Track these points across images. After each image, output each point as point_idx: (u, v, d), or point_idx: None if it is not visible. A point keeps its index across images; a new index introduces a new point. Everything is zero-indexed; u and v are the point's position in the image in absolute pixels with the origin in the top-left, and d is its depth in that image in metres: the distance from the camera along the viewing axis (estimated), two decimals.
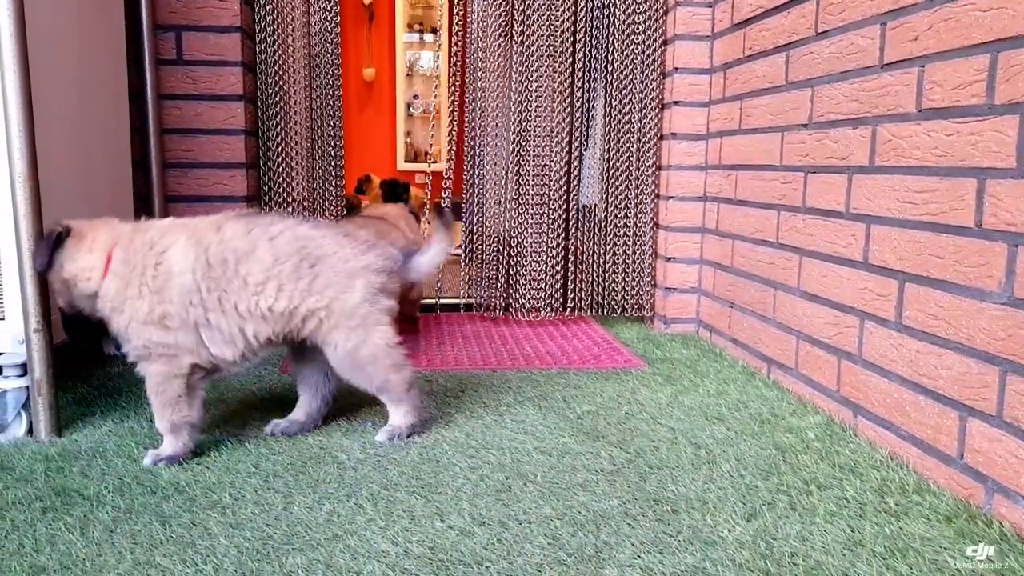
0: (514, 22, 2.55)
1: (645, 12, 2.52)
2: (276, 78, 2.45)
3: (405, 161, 8.23)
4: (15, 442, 1.52)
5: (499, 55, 2.58)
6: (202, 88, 2.31)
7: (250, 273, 1.46)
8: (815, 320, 1.80)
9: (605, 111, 2.61)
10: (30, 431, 1.56)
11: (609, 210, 2.63)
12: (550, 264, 2.66)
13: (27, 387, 1.55)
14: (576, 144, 2.64)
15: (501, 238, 2.66)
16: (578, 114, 2.62)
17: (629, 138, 2.58)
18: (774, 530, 1.20)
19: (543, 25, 2.55)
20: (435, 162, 8.12)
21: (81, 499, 1.29)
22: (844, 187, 1.69)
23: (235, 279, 1.45)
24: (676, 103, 2.47)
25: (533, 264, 2.65)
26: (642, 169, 2.59)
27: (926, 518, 1.24)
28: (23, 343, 1.52)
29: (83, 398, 1.79)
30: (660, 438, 1.59)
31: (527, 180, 2.62)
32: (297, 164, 2.51)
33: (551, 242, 2.65)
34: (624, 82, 2.57)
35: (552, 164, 2.62)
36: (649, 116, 2.56)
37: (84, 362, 2.06)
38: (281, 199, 2.50)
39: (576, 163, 2.64)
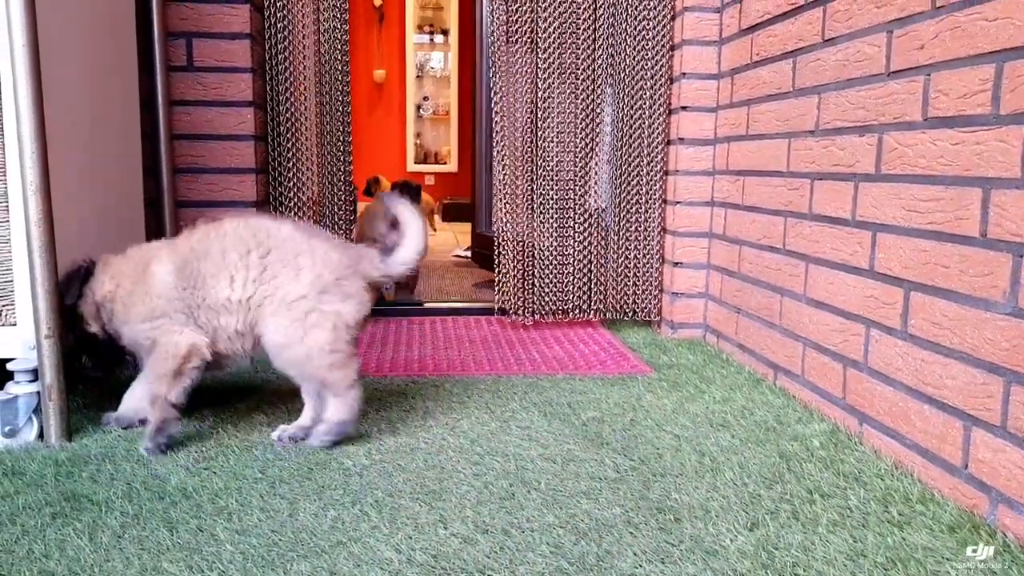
0: (526, 26, 2.56)
1: (654, 17, 2.53)
2: (286, 83, 2.47)
3: (415, 162, 8.28)
4: (26, 447, 1.54)
5: (510, 59, 2.59)
6: (212, 94, 2.33)
7: (207, 268, 1.56)
8: (821, 327, 1.80)
9: (614, 115, 2.62)
10: (41, 436, 1.58)
11: (619, 214, 2.64)
12: (559, 268, 2.66)
13: (38, 392, 1.57)
14: (586, 148, 2.64)
15: (510, 241, 2.67)
16: (588, 118, 2.62)
17: (639, 143, 2.59)
18: (776, 540, 1.20)
19: (555, 29, 2.55)
20: (444, 163, 8.18)
21: (90, 504, 1.30)
22: (850, 194, 1.69)
23: (198, 276, 1.56)
24: (684, 108, 2.47)
25: (542, 267, 2.66)
26: (650, 174, 2.59)
27: (929, 528, 1.24)
28: (34, 349, 1.54)
29: (93, 402, 1.82)
30: (665, 445, 1.59)
31: (537, 183, 2.63)
32: (307, 169, 2.53)
33: (560, 246, 2.65)
34: (634, 87, 2.57)
35: (562, 167, 2.62)
36: (657, 121, 2.56)
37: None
38: (291, 204, 2.52)
39: (586, 167, 2.65)
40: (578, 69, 2.59)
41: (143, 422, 1.65)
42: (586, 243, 2.66)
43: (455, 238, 5.70)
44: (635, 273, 2.66)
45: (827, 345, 1.77)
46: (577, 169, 2.64)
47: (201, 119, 2.34)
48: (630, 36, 2.55)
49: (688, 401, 1.88)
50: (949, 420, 1.37)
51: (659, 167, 2.58)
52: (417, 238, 1.63)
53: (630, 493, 1.36)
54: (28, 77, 1.46)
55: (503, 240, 2.64)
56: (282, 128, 2.48)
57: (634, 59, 2.56)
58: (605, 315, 2.69)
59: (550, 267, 2.65)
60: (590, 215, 2.67)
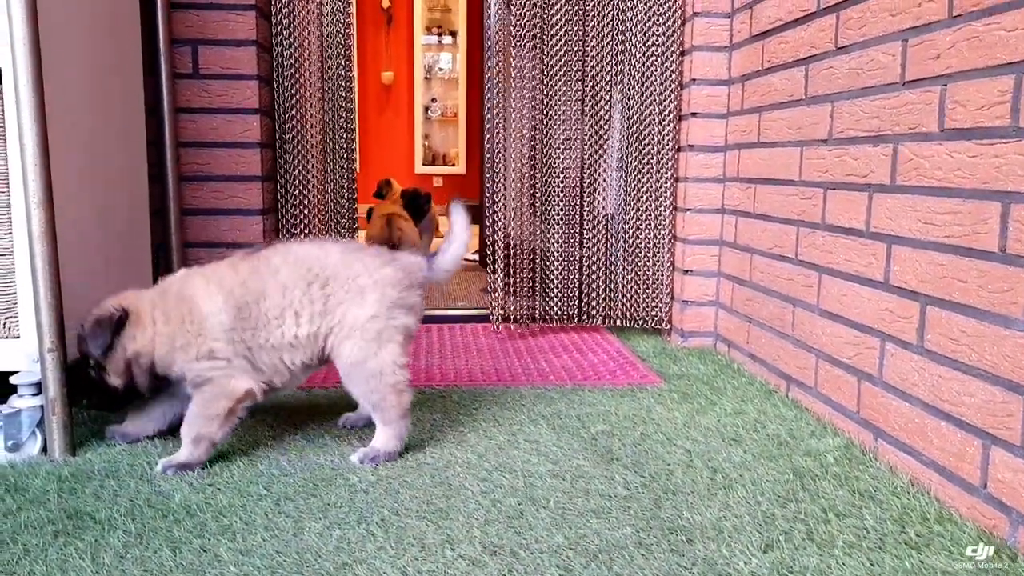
0: (534, 29, 2.54)
1: (664, 23, 2.50)
2: (292, 91, 2.45)
3: (423, 164, 8.26)
4: (30, 461, 1.53)
5: (518, 63, 2.57)
6: (218, 102, 2.31)
7: (270, 310, 1.52)
8: (834, 339, 1.77)
9: (623, 121, 2.59)
10: (44, 450, 1.56)
11: (628, 220, 2.61)
12: (567, 274, 2.64)
13: (41, 406, 1.55)
14: (593, 153, 2.62)
15: (518, 246, 2.65)
16: (595, 123, 2.60)
17: (649, 149, 2.56)
18: (791, 562, 1.17)
19: (562, 33, 2.53)
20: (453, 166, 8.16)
21: (93, 522, 1.29)
22: (864, 205, 1.66)
23: (259, 318, 1.52)
24: (694, 114, 2.45)
25: (550, 273, 2.63)
26: (660, 180, 2.57)
27: (948, 551, 1.21)
28: (37, 362, 1.53)
29: (97, 415, 1.80)
30: (676, 461, 1.56)
31: (544, 188, 2.61)
32: (312, 176, 2.51)
33: (568, 252, 2.63)
34: (644, 93, 2.54)
35: (569, 172, 2.60)
36: (667, 127, 2.53)
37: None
38: (297, 211, 2.50)
39: (593, 172, 2.62)
40: (585, 73, 2.56)
41: (150, 438, 1.65)
42: (593, 249, 2.64)
43: None
44: (644, 280, 2.63)
45: (841, 358, 1.74)
46: (584, 174, 2.62)
47: (207, 126, 2.32)
48: (639, 41, 2.53)
49: (699, 413, 1.85)
50: (967, 438, 1.34)
51: (669, 174, 2.55)
52: (462, 248, 1.69)
53: (641, 512, 1.34)
54: (31, 86, 1.44)
55: (508, 246, 2.62)
56: (288, 136, 2.47)
57: (643, 64, 2.53)
58: (613, 322, 2.66)
59: (556, 273, 2.63)
60: (598, 221, 2.65)
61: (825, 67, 1.82)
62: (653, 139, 2.55)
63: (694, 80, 2.43)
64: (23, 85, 1.44)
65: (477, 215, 4.60)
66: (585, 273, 2.65)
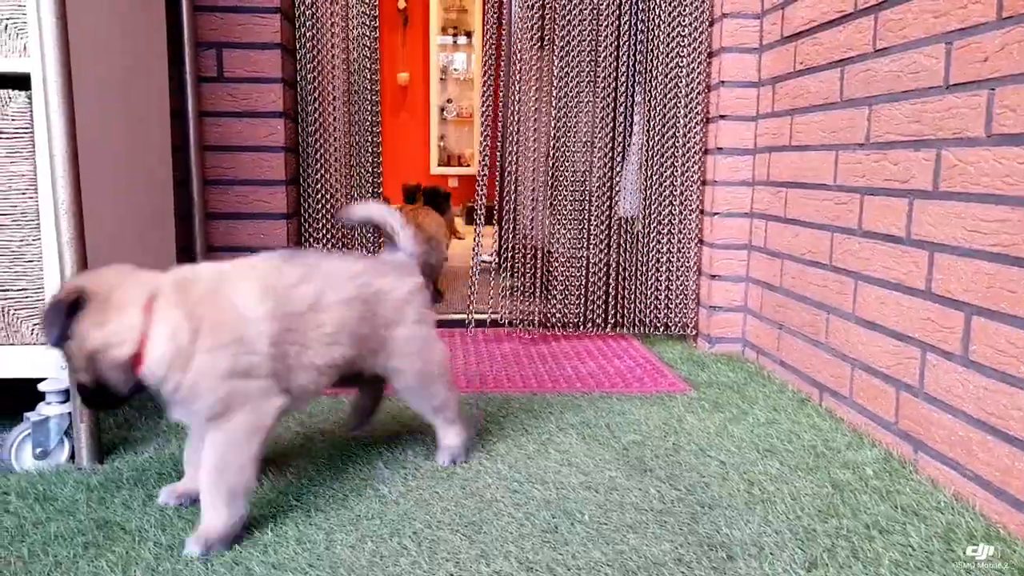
0: (555, 27, 2.51)
1: (690, 24, 2.46)
2: (316, 94, 2.43)
3: (438, 165, 8.24)
4: (58, 469, 1.51)
5: (535, 63, 2.54)
6: (242, 105, 2.30)
7: (324, 324, 1.35)
8: (872, 348, 1.73)
9: (646, 123, 2.56)
10: (72, 457, 1.55)
11: (651, 224, 2.58)
12: (590, 278, 2.61)
13: (69, 413, 1.54)
14: (615, 155, 2.59)
15: (538, 249, 2.62)
16: (616, 125, 2.57)
17: (673, 152, 2.53)
18: None
19: (576, 34, 2.50)
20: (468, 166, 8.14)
21: (123, 533, 1.27)
22: (904, 211, 1.62)
23: (304, 339, 1.32)
24: (722, 117, 2.41)
25: (572, 277, 2.60)
26: (686, 183, 2.53)
27: (998, 570, 1.18)
28: (65, 368, 1.51)
29: (124, 421, 1.79)
30: (710, 473, 1.53)
31: (564, 189, 2.58)
32: (336, 180, 2.50)
33: (591, 255, 2.60)
34: (668, 94, 2.51)
35: (591, 174, 2.57)
36: (693, 129, 2.50)
37: None
38: (320, 215, 2.48)
39: (614, 174, 2.59)
40: (600, 75, 2.53)
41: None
42: (614, 253, 2.60)
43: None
44: (667, 286, 2.59)
45: (878, 367, 1.70)
46: (604, 176, 2.59)
47: (231, 130, 2.31)
48: (661, 43, 2.49)
49: (731, 423, 1.82)
50: (1016, 453, 1.30)
51: (696, 177, 2.52)
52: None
53: (678, 527, 1.31)
54: (60, 93, 1.43)
55: (526, 247, 2.59)
56: (311, 139, 2.45)
57: (666, 66, 2.50)
58: (636, 328, 2.63)
59: (578, 277, 2.60)
60: (617, 224, 2.61)
61: (862, 69, 1.78)
62: (678, 142, 2.52)
63: (723, 82, 2.39)
64: (52, 92, 1.43)
65: (492, 216, 4.58)
66: (610, 277, 2.62)
